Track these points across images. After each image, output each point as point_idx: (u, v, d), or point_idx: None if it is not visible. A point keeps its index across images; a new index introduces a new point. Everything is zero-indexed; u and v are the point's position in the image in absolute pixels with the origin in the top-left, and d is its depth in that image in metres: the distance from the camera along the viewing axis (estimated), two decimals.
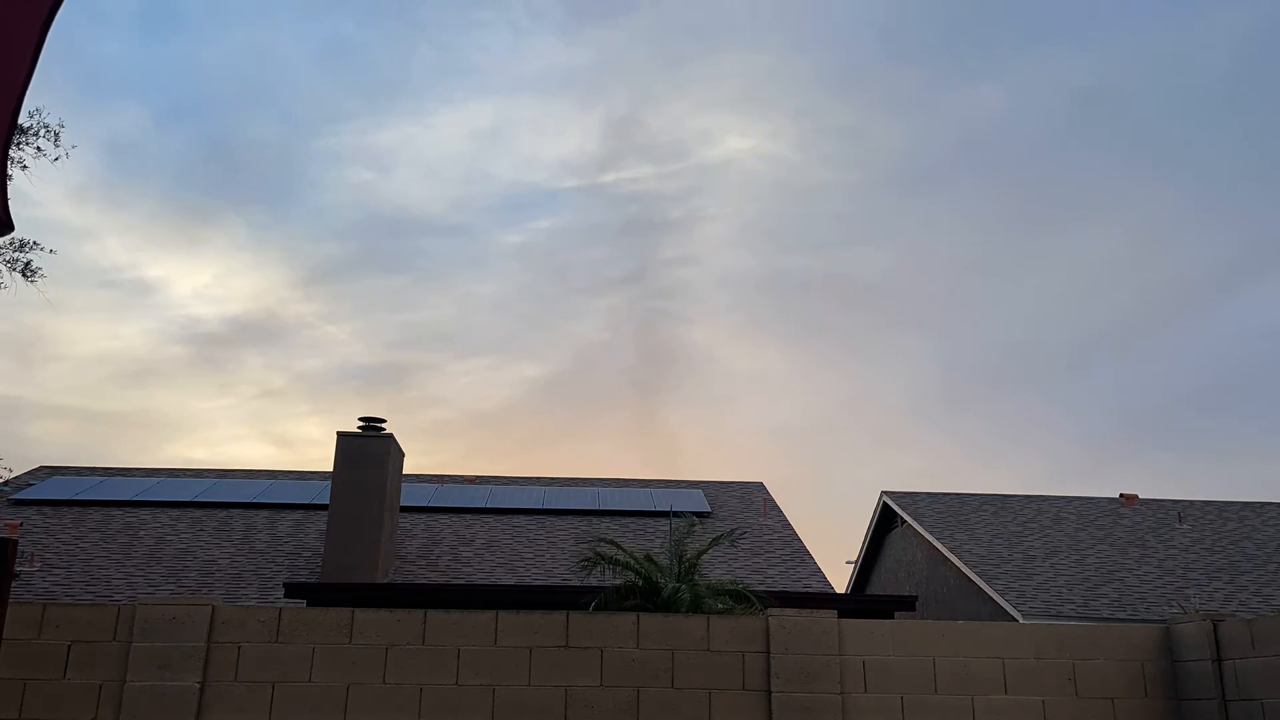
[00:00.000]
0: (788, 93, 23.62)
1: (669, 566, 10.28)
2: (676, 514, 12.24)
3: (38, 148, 13.73)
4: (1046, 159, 25.75)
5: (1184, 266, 27.81)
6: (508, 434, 35.80)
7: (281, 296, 27.07)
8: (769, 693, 6.54)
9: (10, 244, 13.80)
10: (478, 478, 20.75)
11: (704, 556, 10.80)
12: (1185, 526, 21.33)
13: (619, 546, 10.70)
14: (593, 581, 10.66)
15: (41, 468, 19.74)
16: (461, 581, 14.78)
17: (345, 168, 23.99)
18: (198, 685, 6.26)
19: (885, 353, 32.16)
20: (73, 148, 13.98)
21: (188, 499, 17.74)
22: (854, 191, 25.80)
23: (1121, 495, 22.97)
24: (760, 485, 20.56)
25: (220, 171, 24.55)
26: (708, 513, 17.93)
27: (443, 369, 32.06)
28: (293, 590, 12.50)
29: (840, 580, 25.97)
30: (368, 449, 15.16)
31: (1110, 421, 34.05)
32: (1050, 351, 31.33)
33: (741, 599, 9.69)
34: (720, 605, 9.51)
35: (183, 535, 16.26)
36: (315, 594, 12.44)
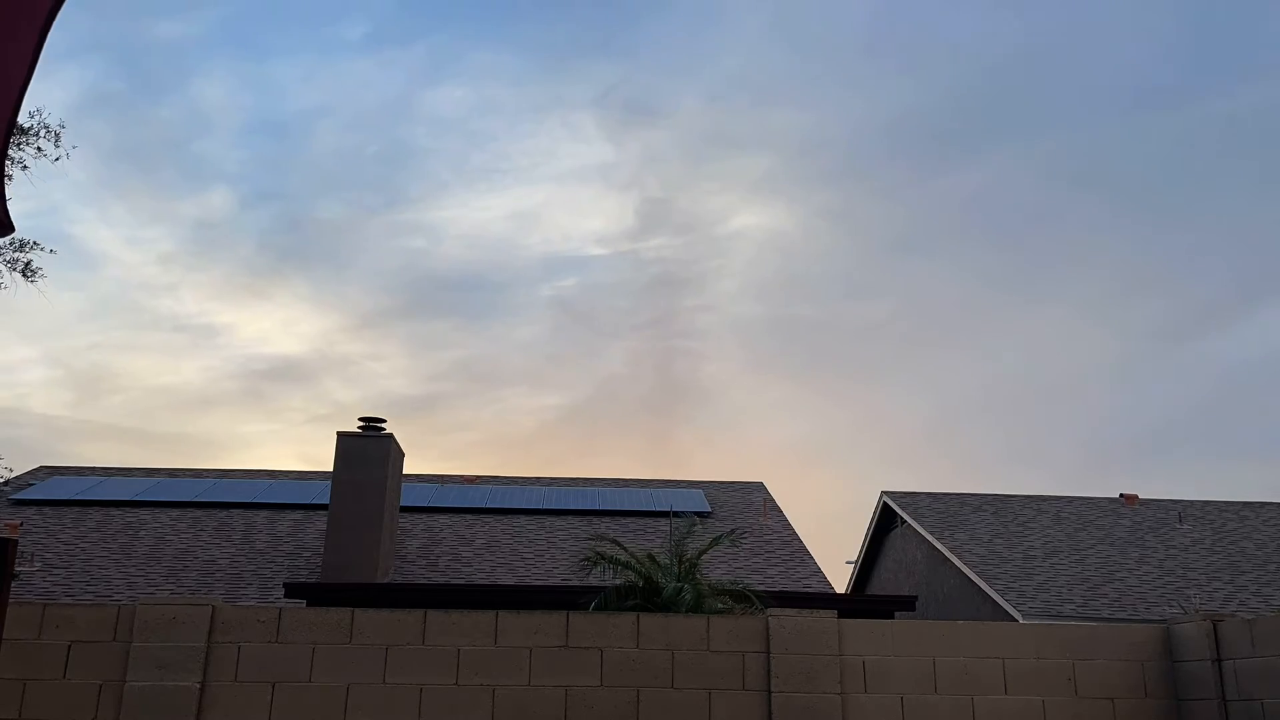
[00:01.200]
0: (796, 182, 28.22)
1: (669, 566, 10.29)
2: (676, 514, 12.25)
3: (38, 148, 13.73)
4: (1035, 220, 29.36)
5: (1170, 304, 31.12)
6: (531, 453, 39.07)
7: (332, 339, 31.44)
8: (769, 693, 6.54)
9: (10, 244, 13.79)
10: (478, 478, 20.74)
11: (704, 556, 10.81)
12: (1185, 526, 21.33)
13: (620, 545, 10.71)
14: (593, 581, 10.66)
15: (41, 468, 19.74)
16: (461, 581, 14.78)
17: (401, 238, 28.64)
18: (198, 685, 6.26)
19: (887, 384, 35.83)
20: (73, 148, 13.97)
21: (188, 499, 17.74)
22: (853, 255, 30.24)
23: (1121, 495, 22.96)
24: (760, 485, 20.55)
25: (291, 242, 29.21)
26: (708, 513, 17.93)
27: (474, 398, 36.32)
28: (293, 590, 12.50)
29: (840, 580, 25.99)
30: (368, 449, 15.16)
31: (1110, 437, 36.67)
32: (1049, 378, 34.43)
33: (741, 599, 9.69)
34: (720, 605, 9.52)
35: (183, 535, 16.26)
36: (315, 594, 12.44)
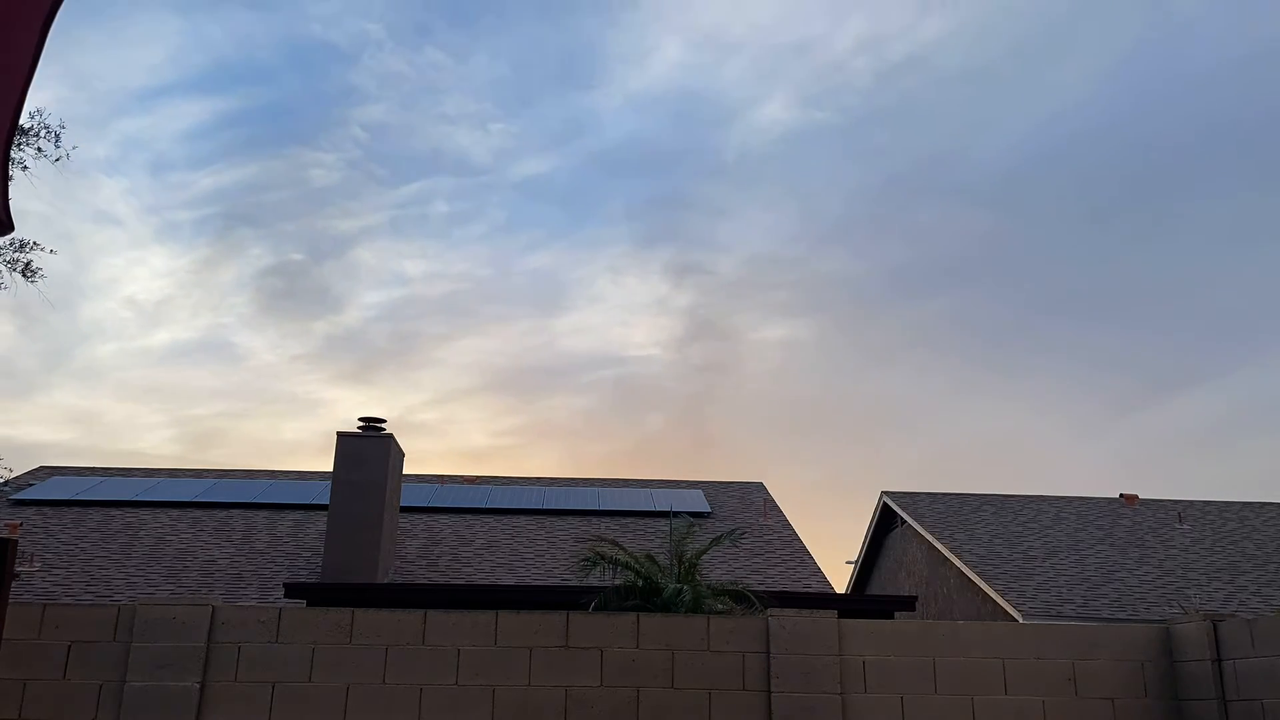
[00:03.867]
0: (812, 306, 36.42)
1: (669, 567, 10.29)
2: (676, 514, 12.24)
3: (39, 148, 13.74)
4: (1009, 326, 36.54)
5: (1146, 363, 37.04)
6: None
7: (414, 409, 38.07)
8: (769, 693, 6.54)
9: (10, 244, 13.80)
10: (478, 478, 20.75)
11: (704, 557, 10.81)
12: (1185, 526, 21.33)
13: (619, 546, 10.71)
14: (593, 581, 10.66)
15: (41, 468, 19.74)
16: (461, 581, 14.78)
17: (487, 343, 36.05)
18: (198, 685, 6.26)
19: (890, 438, 42.32)
20: (73, 148, 13.98)
21: (188, 499, 17.74)
22: (858, 355, 38.19)
23: (1121, 495, 22.97)
24: (760, 485, 20.55)
25: (398, 347, 36.29)
26: (708, 513, 17.93)
27: (530, 450, 43.06)
28: (293, 590, 12.50)
29: (840, 580, 26.03)
30: (367, 449, 15.15)
31: (1109, 462, 40.53)
32: (1045, 432, 39.65)
33: (741, 599, 9.69)
34: (720, 605, 9.52)
35: (183, 535, 16.27)
36: (315, 594, 12.44)
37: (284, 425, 40.71)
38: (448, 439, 40.27)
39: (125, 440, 38.10)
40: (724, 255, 35.48)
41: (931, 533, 21.08)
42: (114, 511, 17.13)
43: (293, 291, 33.80)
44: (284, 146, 30.08)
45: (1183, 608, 16.82)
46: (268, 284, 33.08)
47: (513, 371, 38.63)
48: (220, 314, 34.09)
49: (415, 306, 35.66)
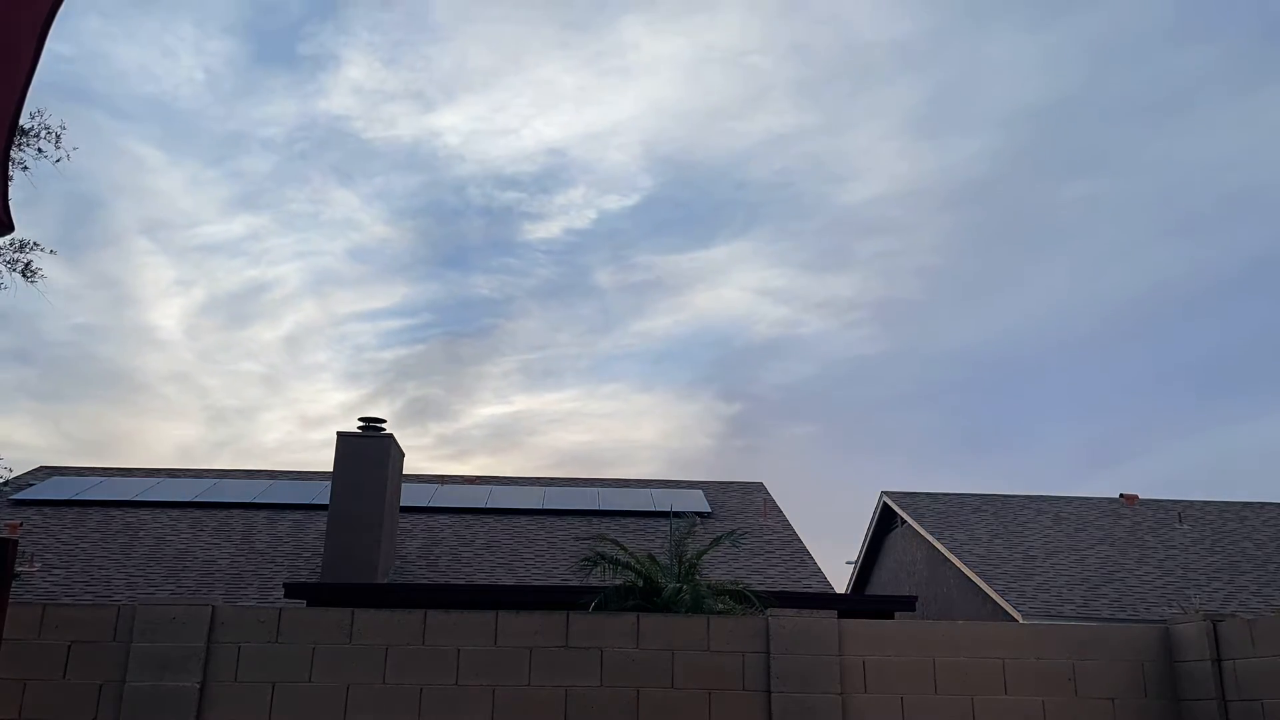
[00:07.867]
0: (830, 417, 41.40)
1: (669, 567, 10.29)
2: (677, 514, 12.24)
3: (39, 149, 13.73)
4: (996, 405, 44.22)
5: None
6: None
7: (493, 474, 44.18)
8: (769, 693, 6.54)
9: (10, 244, 13.79)
10: (478, 478, 20.75)
11: (704, 557, 10.81)
12: (1185, 526, 21.33)
13: (620, 546, 10.71)
14: (593, 582, 10.66)
15: (41, 468, 19.74)
16: (461, 581, 14.79)
17: (572, 436, 42.91)
18: (198, 685, 6.26)
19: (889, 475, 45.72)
20: (74, 149, 13.97)
21: (188, 499, 17.74)
22: (854, 452, 44.91)
23: (1121, 495, 22.97)
24: (760, 485, 20.55)
25: (495, 441, 42.20)
26: (708, 513, 17.93)
27: None
28: (293, 590, 12.50)
29: (840, 580, 26.03)
30: (368, 449, 15.16)
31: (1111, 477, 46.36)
32: (1052, 459, 44.92)
33: (742, 599, 9.69)
34: (720, 606, 9.52)
35: (183, 535, 16.27)
36: (315, 594, 12.45)
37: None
38: None
39: None
40: (762, 386, 47.92)
41: (931, 533, 21.08)
42: (114, 511, 17.14)
43: (425, 411, 45.61)
44: (447, 338, 44.37)
45: (1183, 608, 16.82)
46: (409, 407, 44.00)
47: (589, 452, 49.16)
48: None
49: (513, 420, 46.55)
